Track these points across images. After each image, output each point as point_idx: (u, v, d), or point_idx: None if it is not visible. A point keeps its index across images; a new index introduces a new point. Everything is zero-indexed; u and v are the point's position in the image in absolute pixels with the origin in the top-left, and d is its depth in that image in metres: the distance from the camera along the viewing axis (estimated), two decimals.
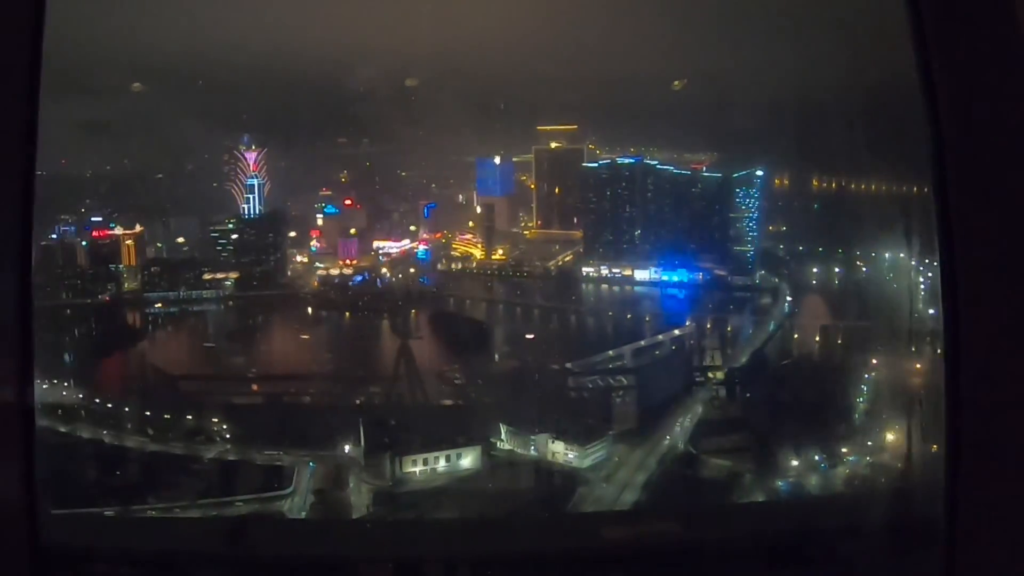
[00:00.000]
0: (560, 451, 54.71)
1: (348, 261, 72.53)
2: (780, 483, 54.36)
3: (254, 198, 70.48)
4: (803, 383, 62.23)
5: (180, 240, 69.85)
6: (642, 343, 64.92)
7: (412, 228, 75.07)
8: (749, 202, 71.23)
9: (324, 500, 50.99)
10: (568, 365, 62.56)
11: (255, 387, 61.06)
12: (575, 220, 75.81)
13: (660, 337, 65.93)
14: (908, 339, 65.59)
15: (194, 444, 53.93)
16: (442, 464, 53.90)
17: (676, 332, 66.18)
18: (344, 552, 7.86)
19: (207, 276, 67.31)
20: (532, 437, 54.75)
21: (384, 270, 72.94)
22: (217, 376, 61.67)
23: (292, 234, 71.86)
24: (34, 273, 6.73)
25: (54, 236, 64.44)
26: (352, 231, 73.33)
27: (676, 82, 70.98)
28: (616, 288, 72.74)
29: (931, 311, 66.67)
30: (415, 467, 53.59)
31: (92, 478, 50.08)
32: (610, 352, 63.74)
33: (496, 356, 65.09)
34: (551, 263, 74.92)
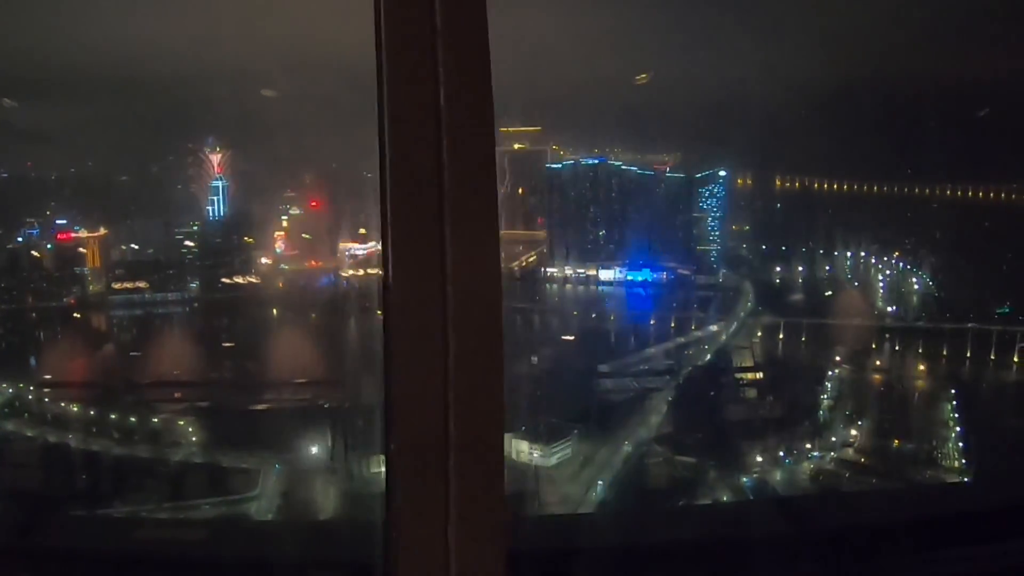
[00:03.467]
0: (525, 450, 54.80)
1: (314, 262, 72.32)
2: (745, 480, 54.77)
3: (219, 200, 70.10)
4: (766, 381, 62.73)
5: (145, 242, 69.40)
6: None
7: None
8: (712, 202, 71.60)
9: (290, 503, 50.84)
10: (534, 360, 62.77)
11: (220, 389, 60.80)
12: (539, 221, 75.89)
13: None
14: (868, 336, 66.62)
15: (159, 447, 53.73)
16: None
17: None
18: (313, 554, 7.96)
19: (172, 278, 66.92)
20: None
21: (350, 271, 72.74)
22: (182, 379, 61.35)
23: (253, 238, 71.41)
24: None
25: (19, 239, 64.11)
26: (317, 232, 73.09)
27: (640, 76, 71.24)
28: (581, 288, 72.93)
29: (890, 308, 67.82)
30: (382, 467, 53.44)
31: (56, 481, 49.87)
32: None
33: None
34: (515, 264, 74.86)
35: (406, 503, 4.20)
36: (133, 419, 54.97)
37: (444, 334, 4.07)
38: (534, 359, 64.02)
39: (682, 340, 66.52)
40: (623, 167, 72.25)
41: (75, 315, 64.71)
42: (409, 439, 4.20)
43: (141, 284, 66.45)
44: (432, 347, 4.10)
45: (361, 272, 72.60)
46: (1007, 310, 64.13)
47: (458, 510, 4.12)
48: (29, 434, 53.26)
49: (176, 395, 58.87)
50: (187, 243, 68.73)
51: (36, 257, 64.77)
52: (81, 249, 65.86)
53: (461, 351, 4.12)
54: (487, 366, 4.16)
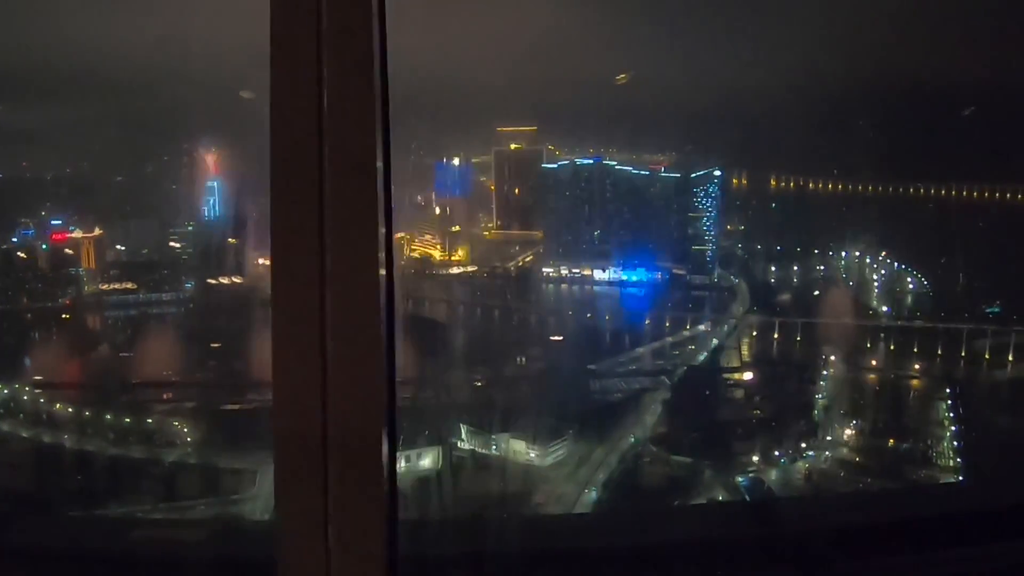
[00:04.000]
0: (521, 450, 54.82)
1: None
2: (740, 479, 54.78)
3: (214, 200, 69.94)
4: (760, 381, 62.80)
5: (139, 243, 69.26)
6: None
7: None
8: (707, 202, 71.60)
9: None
10: (530, 360, 62.94)
11: (216, 390, 60.66)
12: (535, 221, 75.94)
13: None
14: (863, 335, 66.70)
15: (155, 448, 53.66)
16: (402, 464, 53.89)
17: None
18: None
19: (167, 279, 66.78)
20: (493, 436, 54.84)
21: None
22: (178, 379, 61.25)
23: (248, 238, 71.14)
24: None
25: (14, 239, 64.06)
26: None
27: (620, 75, 71.34)
28: (576, 288, 72.99)
29: (884, 308, 67.89)
30: None
31: (52, 481, 49.82)
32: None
33: (456, 356, 65.03)
34: (511, 264, 74.89)
35: (288, 504, 4.23)
36: (128, 420, 54.91)
37: (323, 340, 4.11)
38: (530, 359, 64.16)
39: (676, 340, 66.53)
40: (618, 167, 72.26)
41: (70, 315, 64.62)
42: (290, 442, 4.24)
43: (135, 285, 66.32)
44: (311, 353, 4.14)
45: None
46: (997, 309, 64.24)
47: (337, 511, 4.15)
48: (24, 434, 53.20)
49: (166, 396, 58.82)
50: (182, 243, 68.59)
51: (31, 258, 64.67)
52: (76, 250, 65.76)
53: (339, 357, 4.16)
54: (366, 371, 4.19)
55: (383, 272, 4.52)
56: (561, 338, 68.91)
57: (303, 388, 4.18)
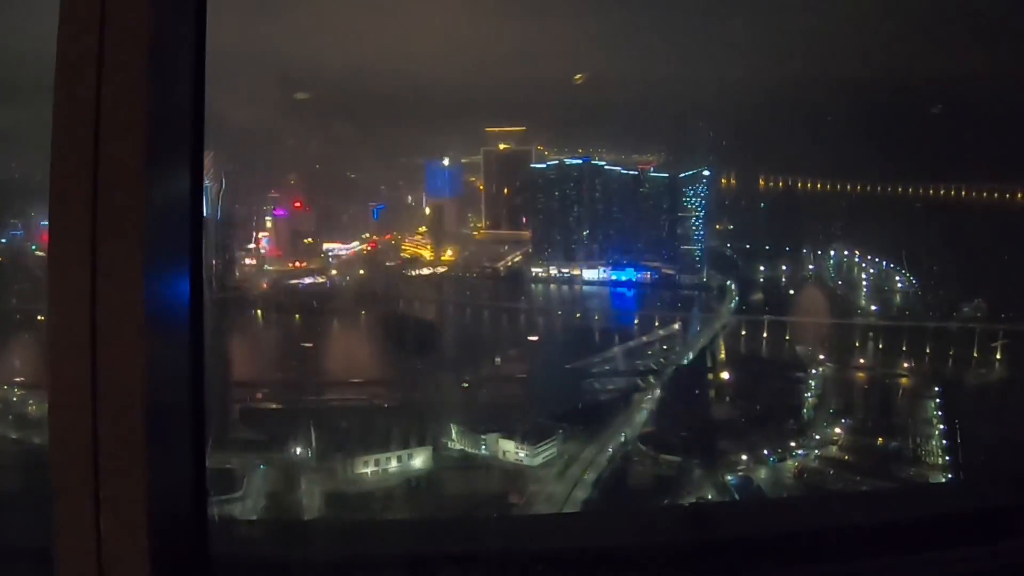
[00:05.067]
0: (511, 450, 54.82)
1: (297, 263, 72.31)
2: (729, 478, 54.83)
3: (203, 200, 69.67)
4: (749, 380, 62.85)
5: None
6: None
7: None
8: (696, 201, 71.69)
9: (275, 502, 50.71)
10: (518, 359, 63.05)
11: (204, 390, 60.41)
12: (524, 221, 76.03)
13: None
14: (852, 334, 66.86)
15: None
16: (393, 465, 53.92)
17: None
18: (294, 553, 7.88)
19: None
20: (482, 436, 54.83)
21: (333, 271, 72.77)
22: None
23: (236, 239, 71.00)
24: None
25: (3, 240, 63.90)
26: (301, 233, 73.06)
27: (577, 75, 71.59)
28: (565, 287, 73.07)
29: (873, 307, 68.07)
30: (366, 468, 53.54)
31: (45, 482, 49.58)
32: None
33: (446, 356, 65.04)
34: (500, 263, 74.95)
35: (63, 508, 4.32)
36: None
37: (93, 348, 4.19)
38: (516, 359, 64.20)
39: (665, 340, 66.53)
40: (607, 167, 72.37)
41: None
42: (64, 447, 4.33)
43: None
44: (81, 363, 4.23)
45: (344, 272, 72.63)
46: (982, 309, 64.33)
47: (106, 516, 4.24)
48: (14, 436, 53.06)
49: None
50: None
51: (20, 259, 64.47)
52: None
53: (105, 367, 4.25)
54: (131, 381, 4.28)
55: (190, 269, 4.69)
56: (548, 338, 68.89)
57: (75, 396, 4.27)
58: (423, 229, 76.02)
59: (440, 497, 52.73)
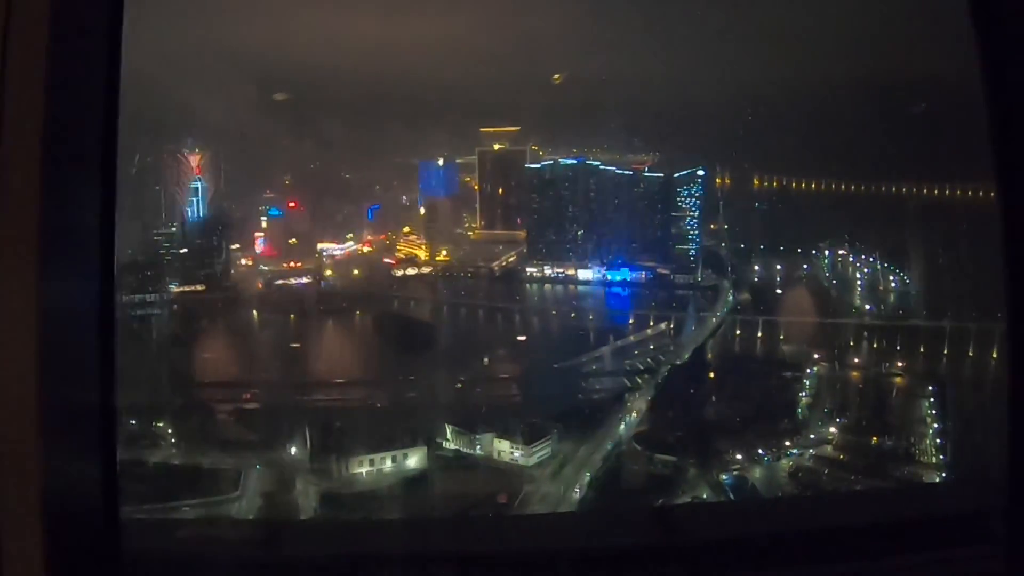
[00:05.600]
0: (506, 450, 54.83)
1: (292, 263, 72.24)
2: (724, 477, 54.85)
3: (197, 201, 69.64)
4: (745, 379, 62.84)
5: (122, 243, 68.76)
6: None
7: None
8: (691, 201, 71.70)
9: (271, 503, 50.64)
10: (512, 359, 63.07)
11: (200, 391, 60.41)
12: (518, 221, 76.00)
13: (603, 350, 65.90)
14: (846, 333, 66.87)
15: (139, 449, 53.35)
16: (388, 464, 53.89)
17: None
18: (291, 553, 7.88)
19: (150, 279, 66.31)
20: (477, 436, 54.84)
21: (328, 271, 72.76)
22: (161, 380, 60.92)
23: (232, 239, 70.85)
24: None
25: None
26: (296, 233, 72.99)
27: (556, 75, 71.64)
28: (560, 287, 73.05)
29: (868, 307, 68.07)
30: (361, 468, 53.52)
31: None
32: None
33: (441, 356, 65.02)
34: (495, 263, 74.94)
35: None
36: None
37: None
38: (511, 359, 64.21)
39: (659, 339, 66.53)
40: (602, 166, 72.35)
41: None
42: None
43: (119, 286, 65.78)
44: None
45: (339, 272, 72.61)
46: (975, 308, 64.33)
47: None
48: None
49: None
50: (165, 244, 68.21)
51: None
52: None
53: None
54: (24, 384, 4.36)
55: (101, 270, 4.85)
56: (542, 337, 68.91)
57: None
58: (418, 229, 75.97)
59: (435, 497, 52.73)
